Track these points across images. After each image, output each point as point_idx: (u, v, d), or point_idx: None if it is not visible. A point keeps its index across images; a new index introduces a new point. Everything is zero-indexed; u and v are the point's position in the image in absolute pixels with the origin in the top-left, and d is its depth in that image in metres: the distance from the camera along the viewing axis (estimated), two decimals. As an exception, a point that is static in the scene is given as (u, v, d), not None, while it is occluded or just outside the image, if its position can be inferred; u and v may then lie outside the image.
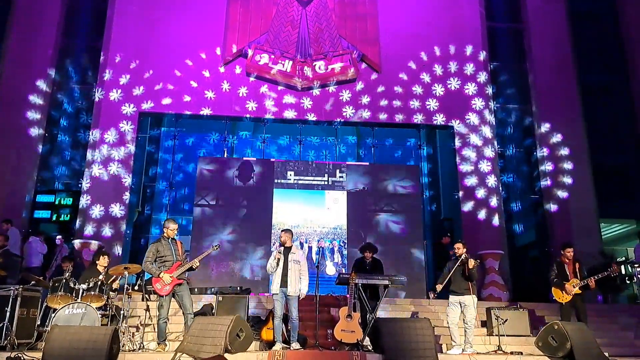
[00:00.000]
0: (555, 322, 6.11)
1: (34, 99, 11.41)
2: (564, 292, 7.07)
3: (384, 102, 12.04)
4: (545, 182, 12.17)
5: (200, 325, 5.35)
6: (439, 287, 6.89)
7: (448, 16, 12.66)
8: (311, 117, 11.88)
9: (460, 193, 11.67)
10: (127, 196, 11.05)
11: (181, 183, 12.97)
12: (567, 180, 11.95)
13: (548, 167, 12.16)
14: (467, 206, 11.51)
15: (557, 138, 12.24)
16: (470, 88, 12.21)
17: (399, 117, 12.00)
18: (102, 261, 7.14)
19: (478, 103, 12.10)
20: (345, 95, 12.04)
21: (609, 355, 6.16)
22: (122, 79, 11.55)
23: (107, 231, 10.63)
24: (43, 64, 11.72)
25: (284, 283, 6.45)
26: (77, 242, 10.36)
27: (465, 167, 11.75)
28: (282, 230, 6.97)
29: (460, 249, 6.93)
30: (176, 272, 6.12)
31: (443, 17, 12.65)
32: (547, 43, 12.92)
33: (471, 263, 6.72)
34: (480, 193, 11.51)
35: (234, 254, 10.77)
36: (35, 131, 11.33)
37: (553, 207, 11.91)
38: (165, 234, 6.37)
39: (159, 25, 11.98)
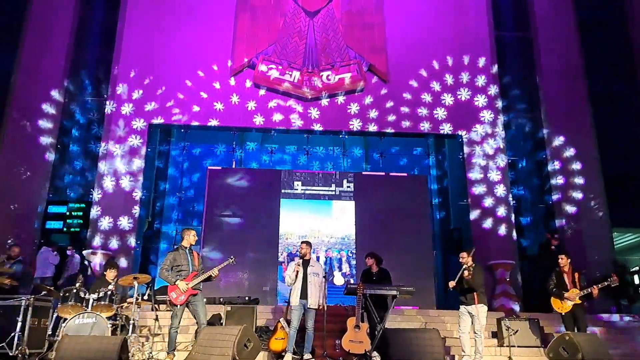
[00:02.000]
0: (567, 332, 6.05)
1: (47, 107, 11.57)
2: (563, 302, 7.00)
3: (391, 112, 12.04)
4: (557, 192, 12.00)
5: (208, 335, 5.38)
6: (451, 284, 6.88)
7: (456, 25, 12.64)
8: (318, 127, 11.91)
9: (469, 202, 11.58)
10: (136, 208, 11.12)
11: (190, 194, 13.06)
12: (578, 189, 11.79)
13: (559, 177, 12.01)
14: (477, 216, 11.42)
15: (567, 147, 12.10)
16: (479, 97, 12.16)
17: (405, 124, 11.96)
18: (110, 274, 7.19)
19: (487, 113, 12.05)
20: (353, 105, 12.06)
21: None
22: (132, 92, 11.69)
23: (116, 242, 10.71)
24: (55, 75, 11.86)
25: (304, 295, 6.47)
26: (86, 253, 10.46)
27: (474, 177, 11.67)
28: (302, 242, 6.93)
29: (464, 257, 6.87)
30: (192, 282, 6.14)
31: (451, 26, 12.64)
32: (556, 52, 12.84)
33: (465, 273, 6.66)
34: (490, 202, 11.41)
35: (242, 264, 10.77)
36: (46, 140, 11.46)
37: (564, 217, 11.76)
38: (183, 243, 6.41)
39: (167, 37, 12.12)
